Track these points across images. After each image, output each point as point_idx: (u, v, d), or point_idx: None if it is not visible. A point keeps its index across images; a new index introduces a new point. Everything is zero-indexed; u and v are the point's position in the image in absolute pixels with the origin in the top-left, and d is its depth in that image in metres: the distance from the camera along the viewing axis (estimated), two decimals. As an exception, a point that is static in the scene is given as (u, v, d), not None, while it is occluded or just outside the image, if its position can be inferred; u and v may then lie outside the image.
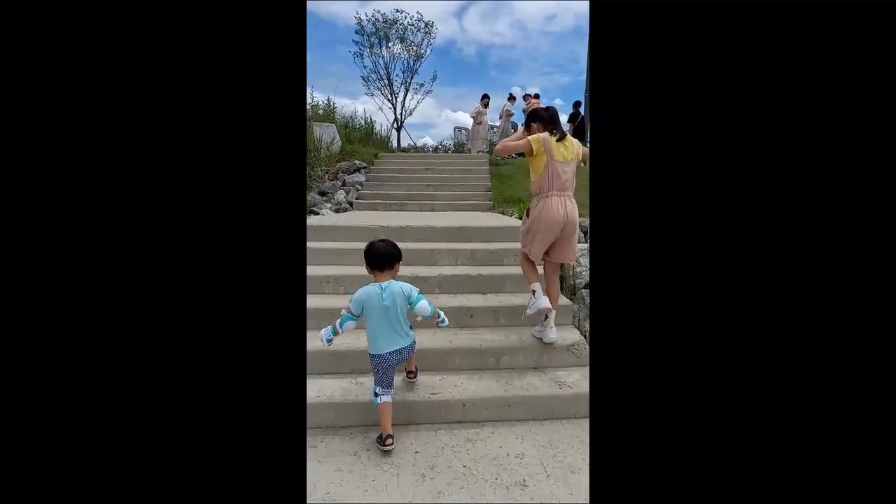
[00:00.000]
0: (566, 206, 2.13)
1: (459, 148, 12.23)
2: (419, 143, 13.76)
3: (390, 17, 12.12)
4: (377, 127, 9.77)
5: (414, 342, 1.84)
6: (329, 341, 1.74)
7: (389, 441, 1.70)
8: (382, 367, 1.73)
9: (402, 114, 13.13)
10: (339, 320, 1.75)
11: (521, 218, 3.09)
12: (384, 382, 1.74)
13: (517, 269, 2.78)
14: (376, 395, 1.75)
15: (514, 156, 8.84)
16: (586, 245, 3.17)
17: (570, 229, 2.15)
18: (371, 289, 1.74)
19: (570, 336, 2.36)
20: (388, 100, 12.92)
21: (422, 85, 13.05)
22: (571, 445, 1.78)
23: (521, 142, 2.28)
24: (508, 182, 6.47)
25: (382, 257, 1.76)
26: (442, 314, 1.88)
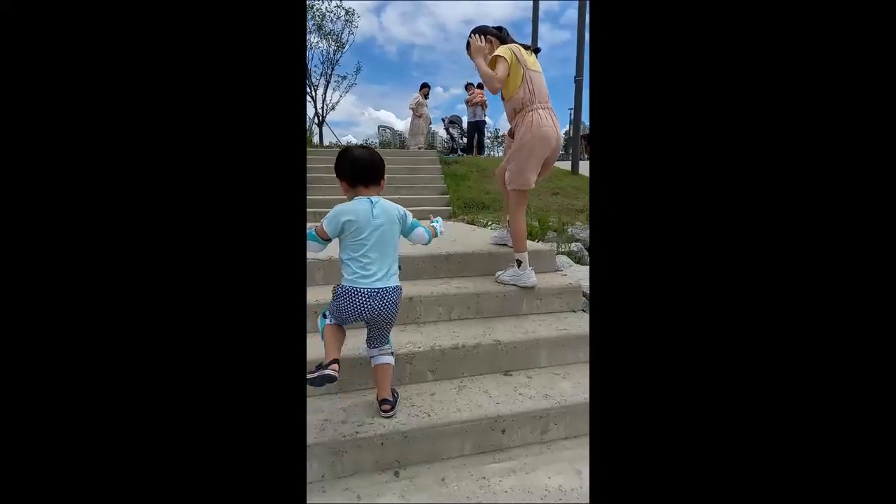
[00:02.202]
0: (554, 120, 1.90)
1: (385, 147, 11.13)
2: (343, 141, 12.49)
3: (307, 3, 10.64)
4: (296, 120, 8.22)
5: (399, 290, 1.34)
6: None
7: (334, 366, 1.22)
8: (345, 306, 1.26)
9: (323, 108, 11.69)
10: None
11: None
12: (339, 315, 1.31)
13: (549, 331, 1.73)
14: (324, 315, 1.36)
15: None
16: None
17: (557, 147, 1.93)
18: (357, 203, 1.29)
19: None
20: (307, 91, 11.42)
21: (344, 77, 11.74)
22: None
23: (494, 70, 1.81)
24: (465, 182, 5.47)
25: (369, 169, 1.32)
26: (438, 226, 1.53)
